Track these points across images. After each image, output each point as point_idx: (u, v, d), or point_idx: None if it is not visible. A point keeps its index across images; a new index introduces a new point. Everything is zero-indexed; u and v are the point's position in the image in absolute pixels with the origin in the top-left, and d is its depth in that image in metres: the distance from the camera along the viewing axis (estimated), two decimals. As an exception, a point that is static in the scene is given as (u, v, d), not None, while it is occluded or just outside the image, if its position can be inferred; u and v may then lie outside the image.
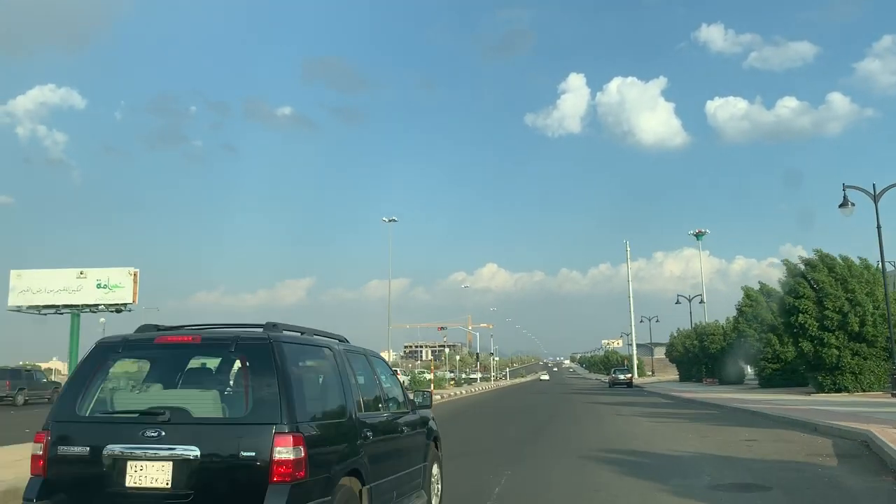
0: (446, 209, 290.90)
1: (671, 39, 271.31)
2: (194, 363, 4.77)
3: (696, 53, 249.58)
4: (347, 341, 5.68)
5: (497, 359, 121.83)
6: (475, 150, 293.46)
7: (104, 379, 4.51)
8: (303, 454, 3.96)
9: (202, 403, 4.25)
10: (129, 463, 4.02)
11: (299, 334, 4.89)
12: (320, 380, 4.90)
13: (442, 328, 74.44)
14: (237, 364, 4.50)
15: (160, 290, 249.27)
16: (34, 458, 4.25)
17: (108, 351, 4.61)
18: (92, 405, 4.37)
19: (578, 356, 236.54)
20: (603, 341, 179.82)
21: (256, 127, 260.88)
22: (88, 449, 4.10)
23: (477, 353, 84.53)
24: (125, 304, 66.85)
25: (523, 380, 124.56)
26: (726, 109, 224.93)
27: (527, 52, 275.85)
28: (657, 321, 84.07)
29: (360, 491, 4.69)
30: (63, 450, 4.17)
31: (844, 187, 25.09)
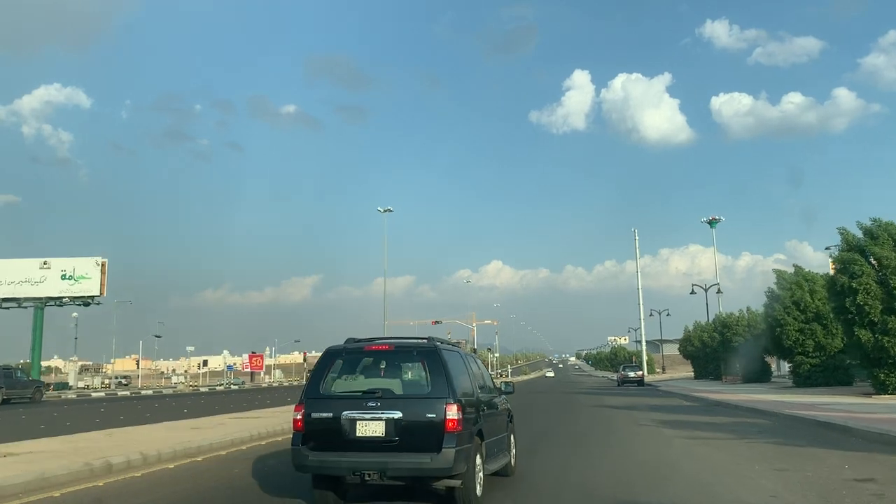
0: (451, 206, 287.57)
1: (676, 35, 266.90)
2: (391, 362, 7.45)
3: (701, 49, 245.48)
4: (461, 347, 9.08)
5: (497, 355, 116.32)
6: (480, 147, 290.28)
7: (333, 371, 7.32)
8: (460, 415, 6.70)
9: (399, 386, 7.13)
10: (358, 422, 6.70)
11: (446, 344, 8.00)
12: (460, 371, 7.49)
13: (437, 322, 70.36)
14: (418, 362, 7.19)
15: (165, 287, 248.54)
16: (295, 420, 6.99)
17: (334, 354, 7.46)
18: (329, 387, 7.18)
19: (584, 353, 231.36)
20: (609, 338, 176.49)
21: (261, 125, 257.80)
22: (331, 414, 6.80)
23: (473, 349, 79.53)
24: (92, 297, 62.51)
25: (526, 377, 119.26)
26: (731, 105, 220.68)
27: (531, 50, 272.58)
28: (668, 314, 78.58)
29: (480, 444, 7.36)
30: (314, 415, 6.89)
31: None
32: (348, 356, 7.48)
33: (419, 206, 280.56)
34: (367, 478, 6.71)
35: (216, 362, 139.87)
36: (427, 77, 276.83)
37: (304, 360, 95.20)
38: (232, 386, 69.86)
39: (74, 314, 70.82)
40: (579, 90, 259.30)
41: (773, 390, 31.78)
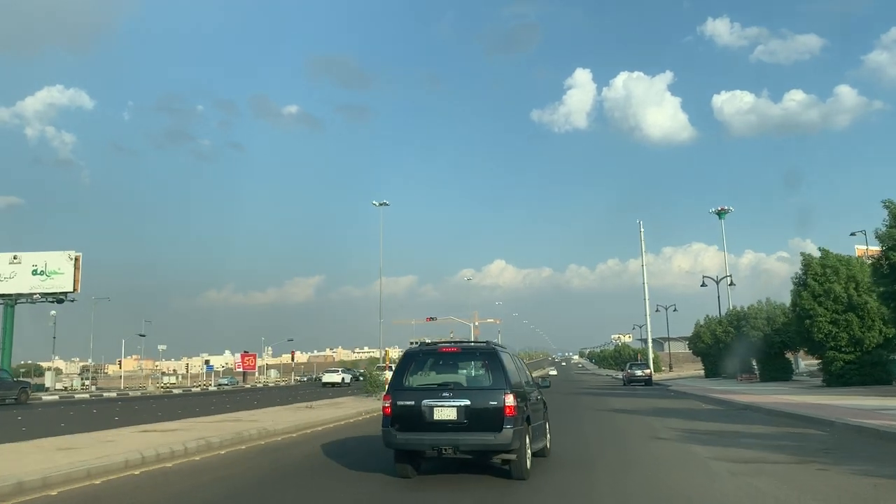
0: (453, 206, 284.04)
1: (677, 33, 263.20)
2: (458, 360, 9.32)
3: (703, 47, 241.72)
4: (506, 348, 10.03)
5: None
6: (482, 146, 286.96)
7: (412, 368, 8.96)
8: (515, 403, 8.27)
9: (466, 380, 8.97)
10: (435, 408, 8.30)
11: (500, 345, 9.82)
12: (512, 369, 9.04)
13: (431, 318, 66.99)
14: (480, 361, 9.04)
15: (169, 288, 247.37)
16: (384, 408, 8.59)
17: (412, 355, 9.20)
18: (410, 380, 8.80)
19: (587, 351, 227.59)
20: (612, 336, 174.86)
21: (263, 125, 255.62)
22: (413, 402, 8.39)
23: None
24: (65, 294, 58.87)
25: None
26: (733, 103, 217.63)
27: (532, 48, 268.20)
28: (675, 310, 74.83)
29: (528, 427, 8.89)
30: (399, 403, 8.49)
31: None
32: (423, 356, 9.29)
33: (421, 205, 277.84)
34: (443, 452, 8.44)
35: (219, 361, 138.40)
36: (428, 76, 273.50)
37: (293, 359, 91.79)
38: (210, 387, 66.05)
39: (53, 312, 67.29)
40: (581, 89, 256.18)
41: (800, 390, 28.14)
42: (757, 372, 41.26)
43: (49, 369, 71.66)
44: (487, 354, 8.90)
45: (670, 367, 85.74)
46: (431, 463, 9.33)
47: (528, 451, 8.71)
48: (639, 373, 47.33)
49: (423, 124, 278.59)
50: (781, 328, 37.63)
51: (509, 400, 8.20)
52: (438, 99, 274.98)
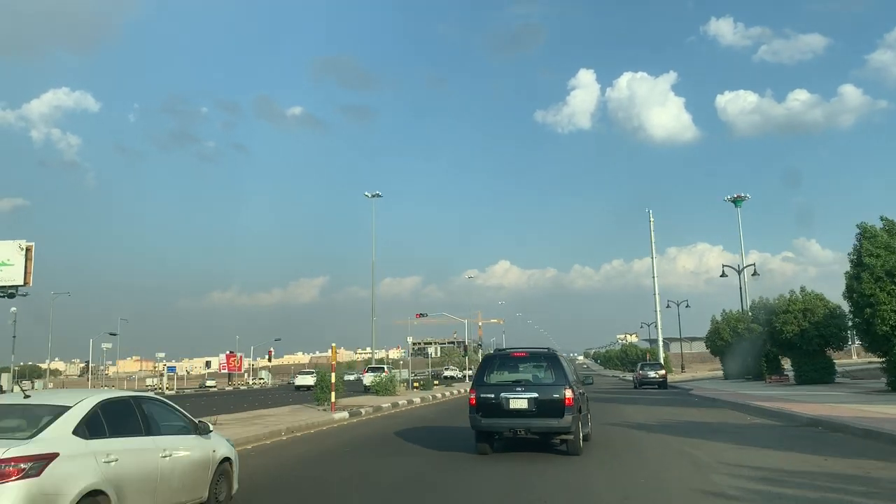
0: (457, 206, 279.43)
1: (680, 34, 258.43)
2: (526, 362, 11.80)
3: (706, 47, 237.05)
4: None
5: (483, 352, 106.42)
6: (485, 146, 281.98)
7: (491, 368, 11.70)
8: (573, 395, 10.83)
9: (534, 377, 11.36)
10: (511, 399, 10.90)
11: (557, 351, 12.28)
12: (568, 369, 11.73)
13: (421, 315, 62.32)
14: (544, 362, 11.52)
15: (177, 289, 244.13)
16: (471, 399, 11.27)
17: (490, 358, 12.21)
18: (489, 378, 11.43)
19: (592, 352, 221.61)
20: (618, 336, 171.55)
21: (267, 126, 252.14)
22: (493, 395, 11.03)
23: (465, 345, 71.25)
24: (16, 287, 53.08)
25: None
26: (736, 103, 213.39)
27: (536, 48, 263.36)
28: (687, 306, 69.05)
29: (580, 415, 11.42)
30: (482, 395, 11.13)
31: None
32: (499, 360, 12.17)
33: (424, 206, 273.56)
34: (517, 433, 11.18)
35: (218, 363, 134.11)
36: (432, 77, 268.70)
37: (269, 358, 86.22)
38: (170, 391, 60.22)
39: (13, 309, 61.86)
40: (585, 89, 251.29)
41: (859, 396, 22.51)
42: (790, 373, 35.61)
43: (46, 370, 66.80)
44: (549, 357, 11.74)
45: (682, 368, 79.86)
46: (504, 442, 12.05)
47: (581, 433, 11.50)
48: (652, 374, 41.68)
49: (427, 125, 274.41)
50: (822, 321, 31.96)
51: (568, 393, 10.96)
52: (442, 99, 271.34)
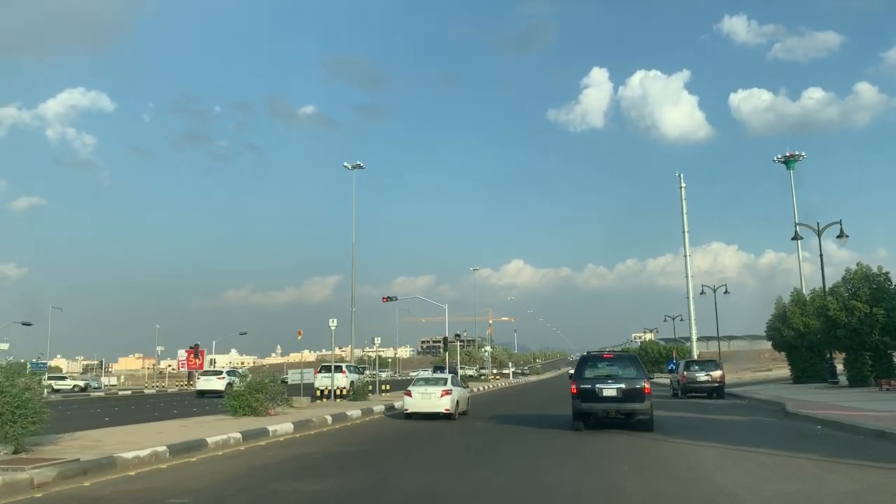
0: (470, 206, 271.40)
1: (694, 32, 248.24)
2: (613, 361, 16.70)
3: (719, 45, 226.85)
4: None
5: (488, 349, 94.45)
6: (498, 146, 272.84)
7: (587, 365, 16.25)
8: (649, 386, 15.50)
9: (619, 373, 15.76)
10: (604, 389, 15.31)
11: (634, 354, 20.63)
12: (641, 365, 16.35)
13: (388, 298, 51.61)
14: (628, 360, 16.46)
15: (190, 288, 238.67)
16: (572, 389, 15.76)
17: (586, 358, 16.75)
18: (586, 373, 15.91)
19: (607, 351, 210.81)
20: (634, 334, 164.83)
21: (279, 126, 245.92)
22: (590, 386, 15.45)
23: (458, 339, 59.56)
24: None
25: (539, 377, 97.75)
26: (750, 102, 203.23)
27: (549, 47, 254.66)
28: (726, 292, 56.02)
29: (652, 402, 15.84)
30: (581, 386, 15.52)
31: None
32: (593, 360, 16.44)
33: (437, 206, 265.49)
34: (610, 414, 15.21)
35: (224, 360, 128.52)
36: (444, 76, 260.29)
37: (241, 355, 74.35)
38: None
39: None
40: (597, 88, 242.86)
41: None
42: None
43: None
44: (631, 359, 16.52)
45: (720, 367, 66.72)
46: (595, 421, 15.57)
47: (654, 414, 15.46)
48: (702, 377, 29.50)
49: (439, 124, 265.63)
50: None
51: (647, 384, 15.15)
52: (454, 99, 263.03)
